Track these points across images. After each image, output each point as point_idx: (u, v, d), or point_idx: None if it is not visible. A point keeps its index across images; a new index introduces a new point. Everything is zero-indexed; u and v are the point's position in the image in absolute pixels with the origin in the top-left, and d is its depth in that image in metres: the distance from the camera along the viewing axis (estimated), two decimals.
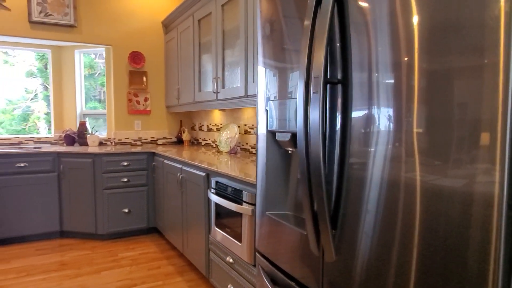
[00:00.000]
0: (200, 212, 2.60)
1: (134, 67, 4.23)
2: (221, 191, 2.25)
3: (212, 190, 2.37)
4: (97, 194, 3.58)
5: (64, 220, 3.67)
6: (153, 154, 3.74)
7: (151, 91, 4.36)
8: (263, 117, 1.41)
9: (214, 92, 3.07)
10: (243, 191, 1.97)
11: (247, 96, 2.60)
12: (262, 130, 1.43)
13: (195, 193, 2.69)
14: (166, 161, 3.33)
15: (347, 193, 1.00)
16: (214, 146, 3.95)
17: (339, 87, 1.02)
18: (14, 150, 3.56)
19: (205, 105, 3.35)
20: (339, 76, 1.02)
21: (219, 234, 2.29)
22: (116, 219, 3.63)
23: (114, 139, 4.22)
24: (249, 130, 3.26)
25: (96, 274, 2.85)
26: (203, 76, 3.40)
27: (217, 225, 2.32)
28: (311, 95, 1.00)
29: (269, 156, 1.36)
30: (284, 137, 1.27)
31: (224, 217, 2.23)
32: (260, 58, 1.47)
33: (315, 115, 0.99)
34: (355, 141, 0.97)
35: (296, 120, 1.19)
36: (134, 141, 4.33)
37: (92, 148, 3.80)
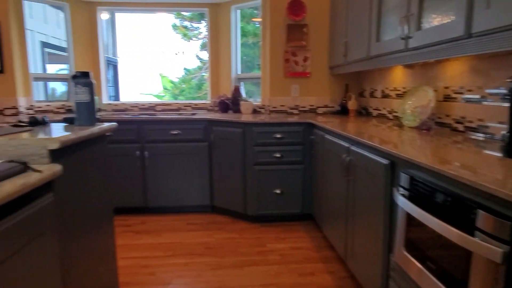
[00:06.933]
0: (377, 217, 1.74)
1: (293, 20, 3.51)
2: (420, 195, 1.33)
3: (402, 191, 1.46)
4: (247, 169, 3.10)
5: (215, 195, 3.36)
6: (312, 125, 3.01)
7: (312, 48, 3.59)
8: None
9: (402, 39, 2.06)
10: (479, 211, 1.01)
11: (470, 36, 1.53)
12: None
13: (369, 186, 1.83)
14: (327, 136, 2.55)
15: None
16: (392, 118, 2.94)
17: None
18: (169, 116, 3.38)
19: (386, 60, 2.37)
20: None
21: (410, 262, 1.40)
22: (266, 200, 3.10)
23: (269, 106, 3.67)
24: (453, 95, 2.15)
25: (238, 269, 2.36)
26: (384, 18, 2.40)
27: (408, 248, 1.43)
28: None
29: None
30: None
31: (424, 240, 1.32)
32: None
33: None
34: None
35: None
36: (291, 109, 3.69)
37: (245, 116, 3.32)
